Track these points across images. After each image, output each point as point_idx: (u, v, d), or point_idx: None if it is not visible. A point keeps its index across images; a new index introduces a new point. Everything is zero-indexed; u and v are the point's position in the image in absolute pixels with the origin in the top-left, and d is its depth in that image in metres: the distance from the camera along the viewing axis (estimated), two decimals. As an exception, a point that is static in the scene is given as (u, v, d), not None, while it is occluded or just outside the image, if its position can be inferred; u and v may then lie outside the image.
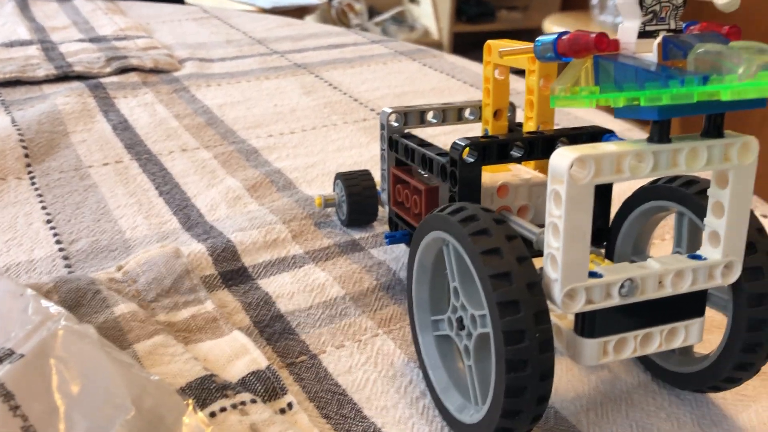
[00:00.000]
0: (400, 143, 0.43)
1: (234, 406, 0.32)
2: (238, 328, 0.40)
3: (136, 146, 0.65)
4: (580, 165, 0.27)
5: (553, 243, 0.28)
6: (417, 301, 0.35)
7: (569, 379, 0.37)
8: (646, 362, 0.38)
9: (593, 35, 0.28)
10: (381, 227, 0.51)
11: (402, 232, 0.44)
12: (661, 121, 0.28)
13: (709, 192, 0.30)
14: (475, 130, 0.65)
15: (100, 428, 0.27)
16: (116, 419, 0.27)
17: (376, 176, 0.58)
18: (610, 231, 0.39)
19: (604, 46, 0.28)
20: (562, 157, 0.27)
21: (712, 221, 0.31)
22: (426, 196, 0.40)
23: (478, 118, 0.47)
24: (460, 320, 0.32)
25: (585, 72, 0.30)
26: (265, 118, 0.73)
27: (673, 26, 0.29)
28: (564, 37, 0.29)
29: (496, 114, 0.44)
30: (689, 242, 0.35)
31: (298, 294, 0.43)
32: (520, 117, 0.62)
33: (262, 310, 0.42)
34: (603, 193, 0.38)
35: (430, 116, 0.46)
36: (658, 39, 0.28)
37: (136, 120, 0.71)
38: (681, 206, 0.34)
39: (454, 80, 0.87)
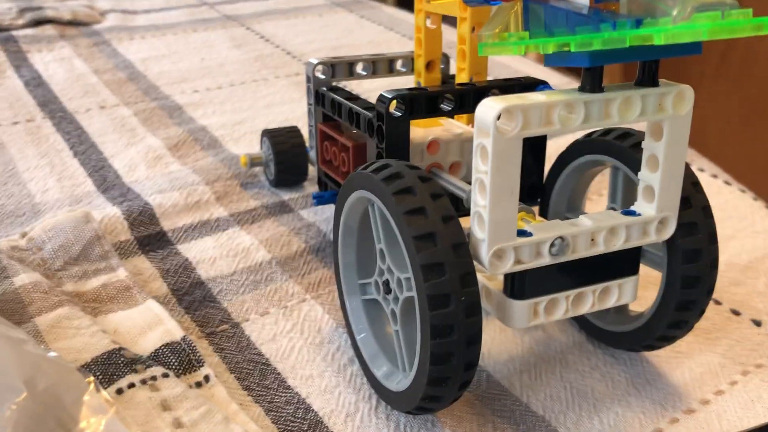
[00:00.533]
0: (327, 97, 0.40)
1: (143, 382, 0.29)
2: (153, 296, 0.37)
3: (49, 104, 0.61)
4: (507, 117, 0.25)
5: (479, 201, 0.26)
6: (344, 264, 0.33)
7: (502, 341, 0.36)
8: (580, 322, 0.37)
9: (522, -24, 0.26)
10: (311, 187, 0.49)
11: (331, 192, 0.41)
12: (593, 69, 0.26)
13: (644, 144, 0.29)
14: (409, 82, 0.63)
15: (-14, 413, 0.24)
16: (4, 402, 0.24)
17: (306, 133, 0.55)
18: (544, 187, 0.37)
19: (533, -12, 0.26)
20: (488, 108, 0.25)
21: (646, 175, 0.29)
22: (354, 154, 0.38)
23: (411, 70, 0.45)
24: (386, 284, 0.30)
25: (514, 16, 0.28)
26: (191, 72, 0.69)
27: (607, -33, 0.27)
28: (492, -21, 0.27)
29: (429, 65, 0.42)
30: (624, 197, 0.34)
31: (220, 259, 0.41)
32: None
33: (181, 277, 0.39)
34: (536, 147, 0.37)
35: (359, 68, 0.44)
36: (591, -20, 0.26)
37: (51, 76, 0.66)
38: (616, 160, 0.33)
39: (392, 33, 0.84)
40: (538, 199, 0.38)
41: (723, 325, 0.38)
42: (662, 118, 0.28)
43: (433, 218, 0.26)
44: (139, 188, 0.48)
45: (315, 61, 0.42)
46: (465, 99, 0.34)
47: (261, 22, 0.85)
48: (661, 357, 0.35)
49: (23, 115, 0.59)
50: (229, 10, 0.89)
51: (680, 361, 0.35)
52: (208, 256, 0.41)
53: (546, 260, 0.28)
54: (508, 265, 0.27)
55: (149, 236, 0.43)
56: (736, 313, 0.39)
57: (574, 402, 0.32)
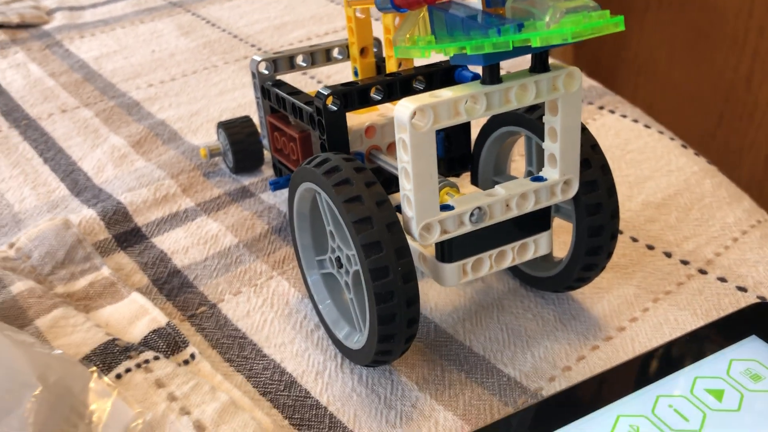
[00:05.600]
0: (272, 92, 0.44)
1: (138, 366, 0.34)
2: (136, 289, 0.42)
3: (13, 112, 0.64)
4: (420, 114, 0.30)
5: (406, 186, 0.31)
6: (301, 245, 0.38)
7: (447, 294, 0.41)
8: (514, 271, 0.42)
9: (424, -12, 0.31)
10: (269, 170, 0.53)
11: (286, 177, 0.46)
12: (489, 65, 0.31)
13: (544, 119, 0.34)
14: (347, 67, 0.67)
15: (10, 408, 0.29)
16: (24, 397, 0.29)
17: (257, 121, 0.59)
18: (472, 157, 0.42)
19: (433, 1, 0.31)
20: (404, 108, 0.30)
21: (549, 145, 0.34)
22: (300, 143, 0.42)
23: (347, 56, 0.49)
24: (338, 259, 0.35)
25: (422, 22, 0.32)
26: (143, 66, 0.72)
27: (497, -30, 0.32)
28: (399, -9, 0.31)
29: (363, 51, 0.46)
30: (538, 160, 0.39)
31: (192, 248, 0.46)
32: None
33: (159, 268, 0.44)
34: (463, 125, 0.41)
35: (299, 60, 0.48)
36: (481, -12, 0.30)
37: (10, 83, 0.69)
38: (526, 130, 0.37)
39: (332, 5, 0.87)
40: (469, 166, 0.43)
41: (638, 259, 0.44)
42: (556, 97, 0.33)
43: (369, 204, 0.31)
44: (110, 188, 0.52)
45: (258, 59, 0.46)
46: (393, 88, 0.39)
47: (205, 6, 0.88)
48: (585, 294, 0.41)
49: (-11, 126, 0.62)
50: (173, -4, 0.92)
51: (601, 295, 0.41)
52: (181, 246, 0.46)
53: (468, 228, 0.33)
54: (436, 236, 0.32)
55: (125, 233, 0.47)
56: (650, 247, 0.45)
57: (509, 341, 0.38)
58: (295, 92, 0.42)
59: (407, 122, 0.30)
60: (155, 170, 0.53)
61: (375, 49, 0.48)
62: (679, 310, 0.40)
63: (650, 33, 1.49)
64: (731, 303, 0.40)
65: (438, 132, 0.42)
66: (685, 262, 0.43)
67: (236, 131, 0.52)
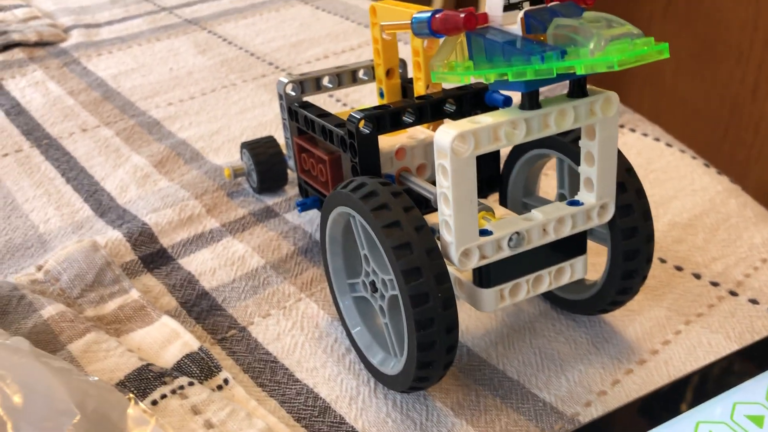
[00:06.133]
0: (300, 114, 0.44)
1: (173, 392, 0.34)
2: (166, 311, 0.41)
3: (34, 131, 0.64)
4: (461, 140, 0.30)
5: (445, 211, 0.31)
6: (333, 269, 0.38)
7: (478, 317, 0.41)
8: (546, 293, 0.42)
9: (463, 14, 0.31)
10: (293, 190, 0.53)
11: (312, 198, 0.46)
12: (529, 92, 0.31)
13: (581, 143, 0.34)
14: (373, 87, 0.67)
15: (50, 436, 0.29)
16: (64, 425, 0.29)
17: (281, 138, 0.59)
18: (501, 178, 0.42)
19: (472, 25, 0.31)
20: (445, 134, 0.30)
21: (585, 169, 0.34)
22: (330, 166, 0.42)
23: (372, 77, 0.49)
24: (373, 284, 0.35)
25: (460, 47, 0.32)
26: (162, 84, 0.72)
27: (535, -6, 0.32)
28: (437, 16, 0.31)
29: (389, 73, 0.46)
30: (570, 183, 0.39)
31: (219, 269, 0.45)
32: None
33: (187, 290, 0.44)
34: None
35: (325, 81, 0.48)
36: (520, 14, 0.30)
37: (29, 102, 0.69)
38: (559, 153, 0.37)
39: (348, 22, 0.87)
40: (497, 188, 0.43)
41: (668, 281, 0.44)
42: (593, 122, 0.32)
43: (408, 229, 0.31)
44: (134, 209, 0.52)
45: (285, 80, 0.46)
46: (423, 111, 0.39)
47: (221, 24, 0.88)
48: (616, 317, 0.41)
49: (11, 146, 0.62)
50: (189, 14, 0.92)
51: (632, 318, 0.41)
52: (208, 267, 0.46)
53: (506, 253, 0.33)
54: (475, 261, 0.32)
55: (152, 254, 0.47)
56: (679, 269, 0.45)
57: (543, 365, 0.38)
58: (324, 114, 0.42)
59: (448, 148, 0.30)
60: (179, 190, 0.53)
61: (401, 70, 0.48)
62: (711, 333, 0.39)
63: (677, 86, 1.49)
64: (764, 325, 0.40)
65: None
66: (715, 284, 0.43)
67: (261, 151, 0.52)
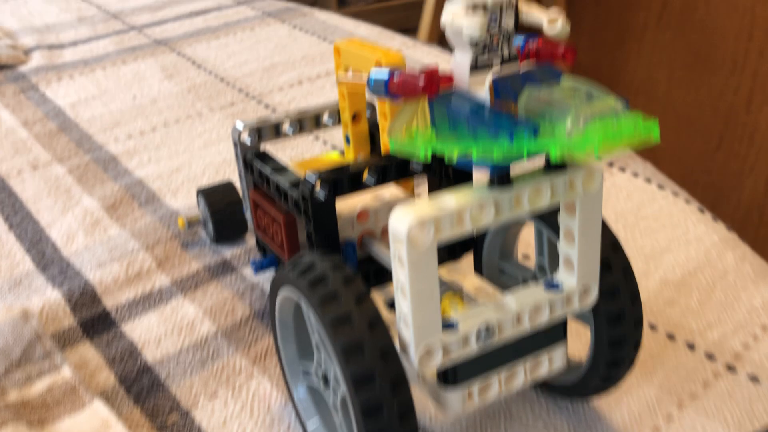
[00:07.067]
0: (255, 167, 0.40)
1: (95, 503, 0.30)
2: (101, 391, 0.37)
3: (-21, 168, 0.60)
4: (420, 228, 0.26)
5: (402, 306, 0.27)
6: (286, 357, 0.34)
7: (448, 399, 0.37)
8: (522, 369, 0.38)
9: (423, 78, 0.27)
10: (252, 239, 0.49)
11: (269, 258, 0.42)
12: (499, 167, 0.26)
13: (560, 220, 0.30)
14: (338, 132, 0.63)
15: None
16: None
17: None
18: (474, 242, 0.38)
19: (433, 91, 0.27)
20: (401, 219, 0.26)
21: (564, 248, 0.30)
22: (285, 227, 0.38)
23: (337, 121, 0.45)
24: (325, 377, 0.31)
25: (421, 112, 0.28)
26: (123, 114, 0.68)
27: (506, 53, 0.28)
28: (395, 79, 0.27)
29: (355, 117, 0.42)
30: (550, 254, 0.35)
31: (165, 338, 0.41)
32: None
33: (127, 364, 0.39)
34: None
35: (286, 127, 0.44)
36: (489, 79, 0.26)
37: (-21, 134, 0.65)
38: (537, 221, 0.33)
39: (325, 44, 0.83)
40: (472, 249, 0.39)
41: (659, 352, 0.40)
42: (574, 198, 0.28)
43: (360, 326, 0.27)
44: (79, 262, 0.47)
45: (240, 127, 0.42)
46: (387, 171, 0.34)
47: (192, 44, 0.84)
48: (601, 398, 0.37)
49: (-47, 185, 0.57)
50: (158, 33, 0.88)
51: (619, 399, 0.37)
52: (154, 335, 0.41)
53: (474, 349, 0.28)
54: (437, 360, 0.28)
55: (92, 318, 0.42)
56: (671, 337, 0.41)
57: (519, 459, 0.34)
58: (279, 169, 0.38)
59: (404, 236, 0.25)
60: (129, 240, 0.49)
61: (368, 115, 0.44)
62: (707, 418, 0.35)
63: (649, 54, 1.46)
64: (766, 409, 0.36)
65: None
66: (710, 356, 0.39)
67: (217, 199, 0.47)
